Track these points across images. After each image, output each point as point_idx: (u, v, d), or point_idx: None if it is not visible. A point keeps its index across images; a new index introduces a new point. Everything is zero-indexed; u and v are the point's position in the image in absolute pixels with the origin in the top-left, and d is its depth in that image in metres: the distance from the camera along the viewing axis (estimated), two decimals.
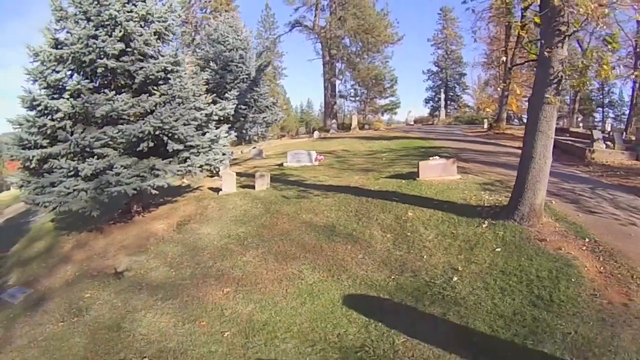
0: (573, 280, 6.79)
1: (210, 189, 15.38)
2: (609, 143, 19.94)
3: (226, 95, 14.29)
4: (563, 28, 8.27)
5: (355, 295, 7.10)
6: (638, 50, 30.76)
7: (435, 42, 57.49)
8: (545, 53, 8.30)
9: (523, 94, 45.29)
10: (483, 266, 7.54)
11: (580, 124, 34.63)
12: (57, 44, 11.52)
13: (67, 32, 11.69)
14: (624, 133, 27.78)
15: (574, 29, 8.62)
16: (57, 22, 11.80)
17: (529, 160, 8.88)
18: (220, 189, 14.75)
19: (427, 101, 58.36)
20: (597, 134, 20.60)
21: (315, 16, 39.58)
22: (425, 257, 8.20)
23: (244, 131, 19.57)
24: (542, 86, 8.65)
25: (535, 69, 10.24)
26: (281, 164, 18.71)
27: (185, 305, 7.35)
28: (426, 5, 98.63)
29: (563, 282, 6.76)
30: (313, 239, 9.52)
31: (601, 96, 55.17)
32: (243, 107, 18.37)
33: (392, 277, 7.60)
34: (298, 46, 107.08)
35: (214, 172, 15.45)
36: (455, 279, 7.27)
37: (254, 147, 24.26)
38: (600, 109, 55.76)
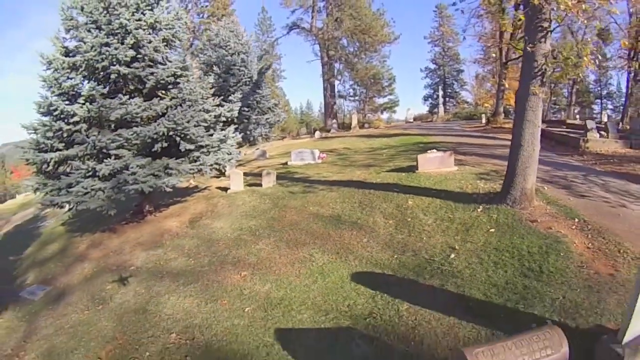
0: (562, 254, 7.44)
1: (218, 188, 16.07)
2: (602, 133, 20.54)
3: (230, 97, 14.99)
4: (545, 24, 8.97)
5: (362, 273, 7.79)
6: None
7: (432, 40, 58.25)
8: (528, 48, 9.03)
9: None
10: (478, 244, 8.24)
11: (577, 116, 35.23)
12: (68, 52, 12.22)
13: (78, 40, 12.34)
14: (620, 123, 28.46)
15: (556, 24, 9.35)
16: (67, 31, 12.41)
17: (518, 148, 9.58)
18: (228, 188, 15.42)
19: (425, 98, 59.30)
20: (590, 124, 21.21)
21: (312, 18, 40.34)
22: (424, 238, 8.90)
23: (247, 132, 20.34)
24: (527, 79, 9.36)
25: None
26: (285, 163, 19.43)
27: (206, 288, 8.04)
28: (422, 3, 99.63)
29: (552, 256, 7.43)
30: (321, 227, 10.22)
31: (599, 88, 55.85)
32: (246, 109, 19.11)
33: (395, 256, 8.31)
34: (296, 48, 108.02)
35: (222, 171, 16.12)
36: (452, 256, 7.97)
37: (258, 149, 25.01)
38: (598, 100, 56.41)
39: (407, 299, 6.61)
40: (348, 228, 9.97)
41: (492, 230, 8.74)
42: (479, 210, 9.74)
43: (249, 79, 21.36)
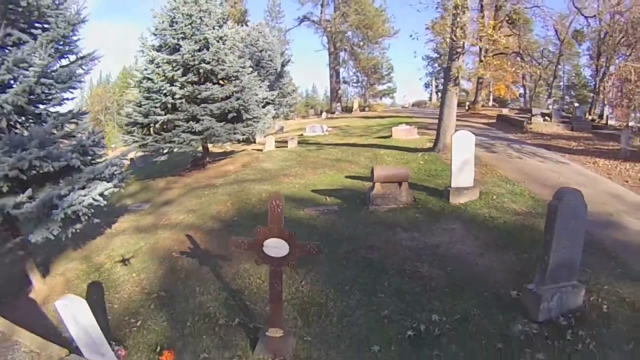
0: None
1: (253, 149, 25.43)
2: (547, 117, 29.63)
3: (260, 85, 24.17)
4: (459, 50, 18.31)
5: (349, 176, 17.11)
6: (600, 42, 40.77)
7: (435, 30, 66.73)
8: (445, 64, 18.45)
9: (512, 80, 55.71)
10: (411, 167, 17.54)
11: (550, 107, 44.29)
12: (156, 48, 21.06)
13: (162, 41, 21.30)
14: (588, 113, 37.40)
15: (464, 51, 18.64)
16: (153, 35, 21.28)
17: (441, 120, 19.02)
18: (261, 150, 24.79)
19: (426, 85, 68.11)
20: (535, 110, 30.51)
21: (321, 12, 49.82)
22: (384, 165, 18.34)
23: (274, 110, 29.53)
24: (446, 82, 18.75)
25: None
26: (301, 134, 28.89)
27: (272, 183, 17.05)
28: None
29: (447, 172, 16.58)
30: (328, 162, 19.64)
31: (594, 83, 64.53)
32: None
33: (367, 171, 17.58)
34: (303, 37, 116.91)
35: (251, 139, 25.31)
36: None
37: (277, 125, 34.52)
38: (592, 94, 64.99)
39: (369, 182, 15.97)
40: (344, 162, 19.45)
41: (422, 162, 18.14)
42: (419, 155, 19.19)
43: (274, 70, 30.72)
